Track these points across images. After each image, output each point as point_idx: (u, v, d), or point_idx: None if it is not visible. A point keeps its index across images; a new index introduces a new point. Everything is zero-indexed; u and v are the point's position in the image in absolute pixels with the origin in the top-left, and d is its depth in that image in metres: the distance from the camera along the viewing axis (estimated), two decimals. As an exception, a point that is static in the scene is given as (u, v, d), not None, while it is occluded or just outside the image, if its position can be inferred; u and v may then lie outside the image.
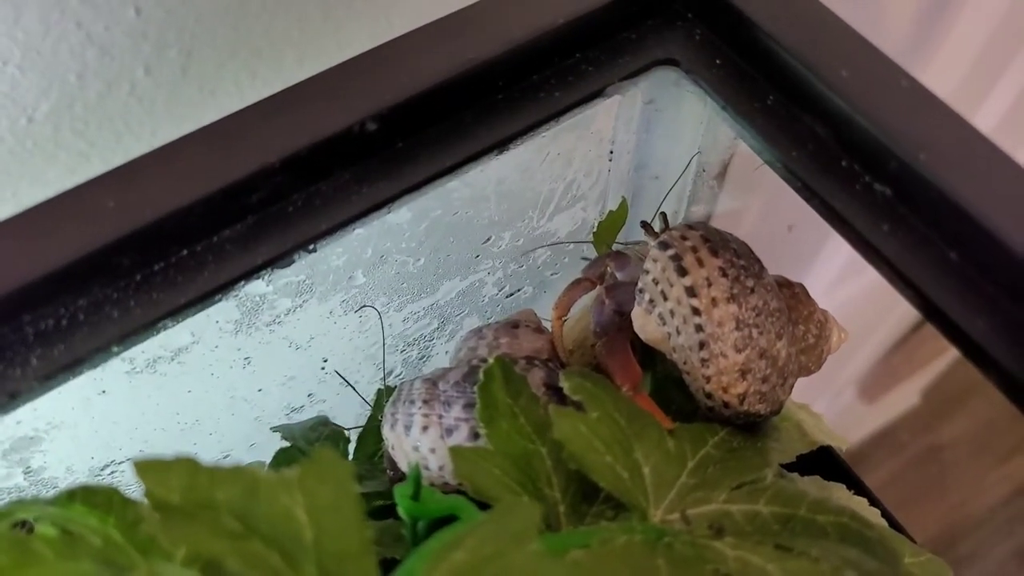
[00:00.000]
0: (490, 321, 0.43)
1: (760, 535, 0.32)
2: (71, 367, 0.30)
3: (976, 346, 0.30)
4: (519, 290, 0.51)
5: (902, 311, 1.51)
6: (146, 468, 0.25)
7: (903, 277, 0.32)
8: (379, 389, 0.48)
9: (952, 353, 1.60)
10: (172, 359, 0.37)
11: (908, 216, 0.32)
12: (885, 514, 0.46)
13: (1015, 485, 1.57)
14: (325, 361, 0.45)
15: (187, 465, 0.26)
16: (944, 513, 1.57)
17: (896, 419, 1.68)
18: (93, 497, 0.30)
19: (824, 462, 0.50)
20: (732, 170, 0.54)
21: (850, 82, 0.33)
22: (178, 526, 0.24)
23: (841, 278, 1.25)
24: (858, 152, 0.33)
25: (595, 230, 0.49)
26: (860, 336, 1.53)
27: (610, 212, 0.48)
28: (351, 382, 0.46)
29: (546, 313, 0.44)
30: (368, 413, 0.47)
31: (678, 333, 0.37)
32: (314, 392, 0.47)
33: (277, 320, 0.40)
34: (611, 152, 0.46)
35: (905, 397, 1.68)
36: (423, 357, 0.50)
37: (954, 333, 0.31)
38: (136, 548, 0.28)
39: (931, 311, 0.31)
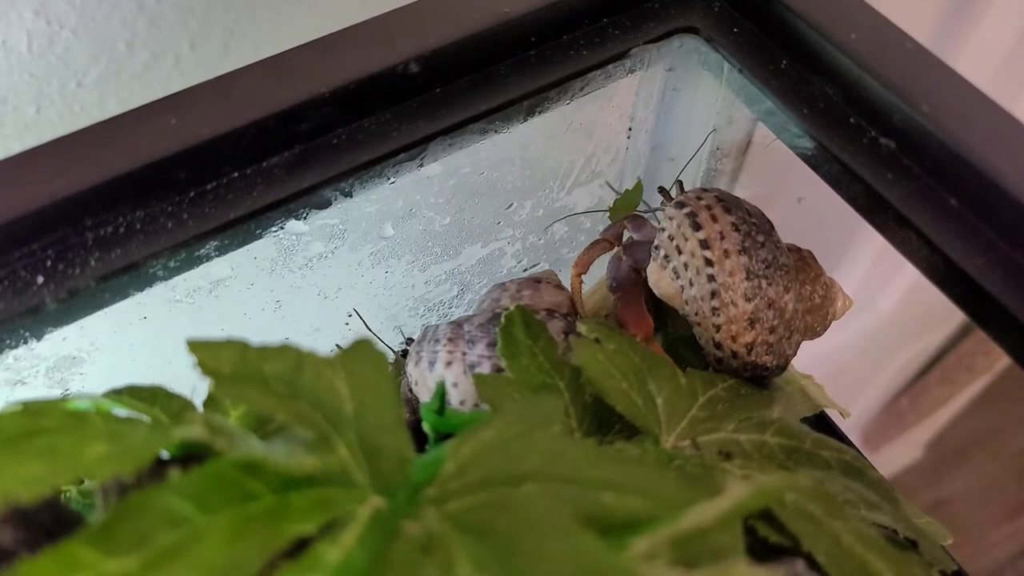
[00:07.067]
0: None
1: (766, 461, 0.34)
2: (126, 271, 0.32)
3: (973, 283, 0.32)
4: (536, 264, 0.53)
5: (907, 356, 1.52)
6: (198, 345, 0.27)
7: (907, 222, 0.34)
8: (394, 352, 0.50)
9: (955, 405, 1.60)
10: (210, 291, 0.39)
11: (911, 166, 0.35)
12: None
13: (1023, 543, 1.55)
14: (350, 316, 0.47)
15: (237, 344, 0.27)
16: (949, 572, 1.53)
17: (899, 472, 1.66)
18: (140, 392, 0.32)
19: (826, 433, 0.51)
20: (748, 163, 0.56)
21: (858, 44, 0.36)
22: (229, 388, 0.25)
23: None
24: (865, 109, 0.36)
25: (612, 207, 0.51)
26: (863, 382, 1.53)
27: (626, 191, 0.51)
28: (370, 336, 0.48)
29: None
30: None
31: (691, 285, 0.39)
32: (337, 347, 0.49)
33: (309, 264, 0.42)
34: (629, 129, 0.48)
35: (908, 450, 1.67)
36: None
37: (953, 271, 0.33)
38: (181, 430, 0.29)
39: (933, 252, 0.33)
